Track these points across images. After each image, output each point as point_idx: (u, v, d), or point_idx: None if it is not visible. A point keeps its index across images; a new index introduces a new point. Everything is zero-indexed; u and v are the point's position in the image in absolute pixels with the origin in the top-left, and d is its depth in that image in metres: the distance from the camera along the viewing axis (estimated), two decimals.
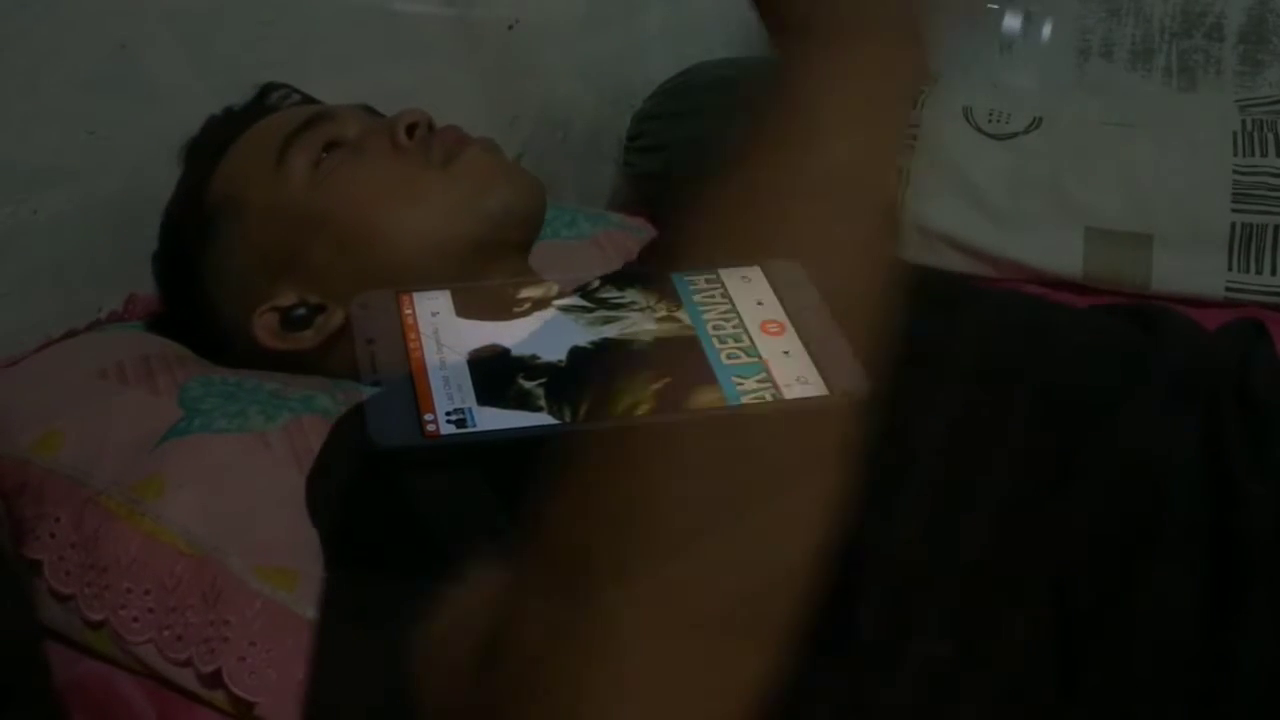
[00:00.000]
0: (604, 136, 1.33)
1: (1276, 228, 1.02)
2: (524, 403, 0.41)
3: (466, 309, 0.45)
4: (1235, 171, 1.03)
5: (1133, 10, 1.24)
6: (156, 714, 0.59)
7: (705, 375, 0.41)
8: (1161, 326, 0.58)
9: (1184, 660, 0.42)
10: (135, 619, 0.60)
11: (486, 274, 0.76)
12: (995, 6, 0.91)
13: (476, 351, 0.43)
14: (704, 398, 0.40)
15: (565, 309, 0.46)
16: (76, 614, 0.62)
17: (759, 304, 0.44)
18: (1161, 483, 0.45)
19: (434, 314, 0.45)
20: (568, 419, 0.41)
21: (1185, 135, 1.07)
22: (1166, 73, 1.24)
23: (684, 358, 0.42)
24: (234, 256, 0.77)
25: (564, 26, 1.26)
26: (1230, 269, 1.03)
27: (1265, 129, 1.05)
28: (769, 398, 0.40)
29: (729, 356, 0.42)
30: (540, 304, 0.46)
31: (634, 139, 1.27)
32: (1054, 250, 1.07)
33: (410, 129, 0.76)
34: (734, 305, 0.44)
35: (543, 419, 0.41)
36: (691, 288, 0.44)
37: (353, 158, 0.76)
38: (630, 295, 0.46)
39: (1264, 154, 1.04)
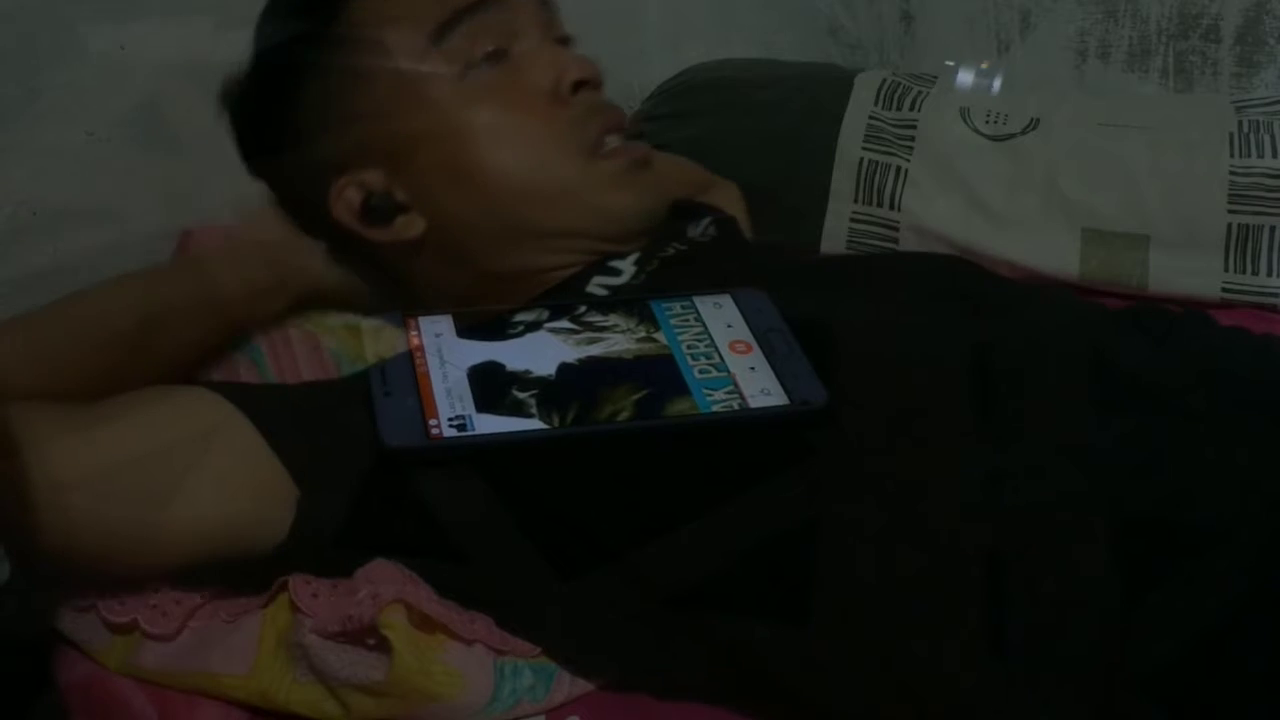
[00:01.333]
0: None
1: (1273, 229, 1.02)
2: (518, 410, 0.46)
3: (466, 331, 0.50)
4: (1231, 173, 1.04)
5: (1129, 12, 1.24)
6: (157, 714, 0.59)
7: (679, 387, 0.47)
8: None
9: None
10: None
11: (558, 262, 0.70)
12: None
13: (475, 366, 0.48)
14: (678, 406, 0.46)
15: (555, 331, 0.51)
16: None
17: (728, 326, 0.50)
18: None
19: (437, 335, 0.50)
20: (556, 424, 0.46)
21: (1182, 136, 1.07)
22: (1163, 74, 1.24)
23: (661, 373, 0.47)
24: (343, 102, 0.70)
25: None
26: (1227, 270, 1.04)
27: (1262, 130, 1.05)
28: (736, 407, 0.46)
29: (701, 372, 0.48)
30: (532, 326, 0.51)
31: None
32: (1051, 251, 1.07)
33: (577, 86, 0.71)
34: (706, 328, 0.50)
35: (534, 424, 0.46)
36: (668, 313, 0.51)
37: (506, 86, 0.69)
38: (613, 319, 0.52)
39: (1260, 155, 1.04)
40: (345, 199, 0.71)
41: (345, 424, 0.57)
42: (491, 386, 0.48)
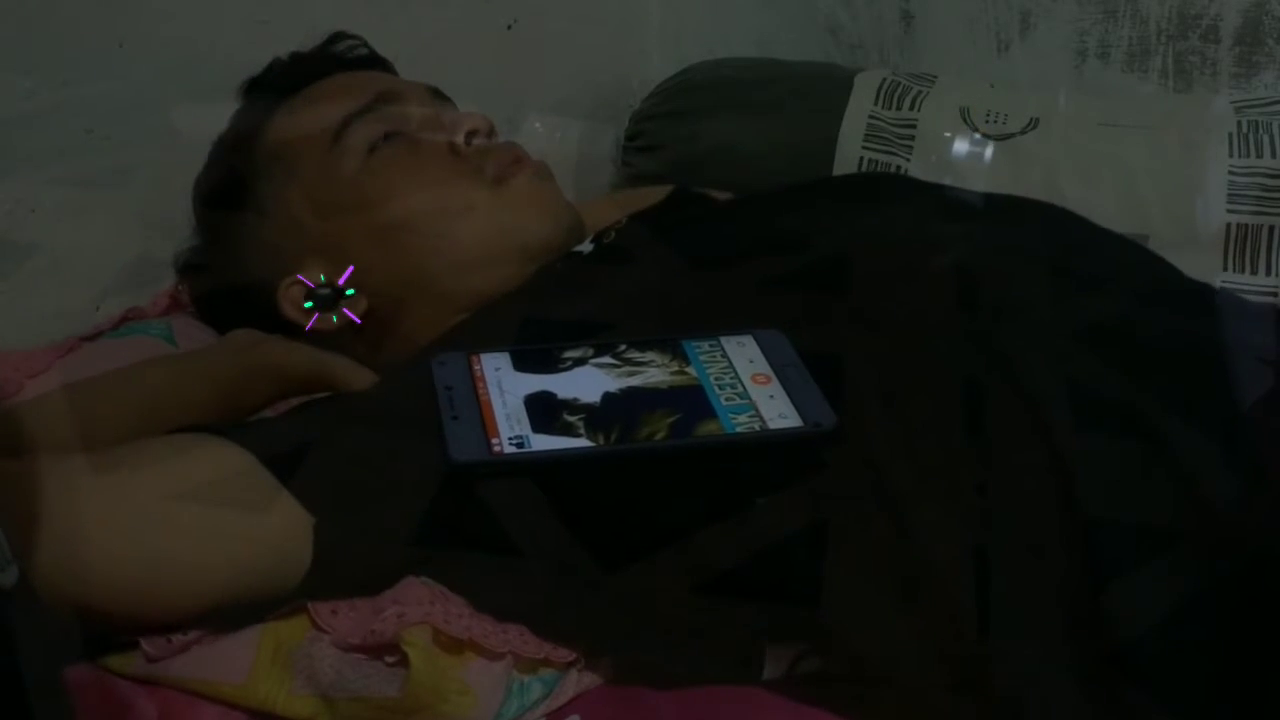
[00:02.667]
0: (602, 136, 1.33)
1: (1271, 228, 1.02)
2: (568, 431, 0.54)
3: (522, 365, 0.58)
4: (1231, 172, 1.04)
5: (1129, 12, 1.24)
6: (157, 714, 0.59)
7: (708, 412, 0.54)
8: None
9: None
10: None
11: (504, 280, 0.77)
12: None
13: (531, 395, 0.56)
14: (707, 428, 0.54)
15: (599, 365, 0.58)
16: None
17: (750, 362, 0.57)
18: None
19: (497, 369, 0.58)
20: (602, 443, 0.53)
21: (1181, 136, 1.07)
22: (1163, 74, 1.25)
23: (691, 400, 0.55)
24: (274, 217, 0.78)
25: (563, 26, 1.27)
26: (1225, 269, 1.04)
27: (1260, 130, 1.06)
28: (757, 428, 0.53)
29: (726, 399, 0.55)
30: (579, 362, 0.58)
31: (632, 139, 1.27)
32: None
33: (469, 135, 0.77)
34: (731, 363, 0.58)
35: (582, 443, 0.53)
36: (697, 351, 0.58)
37: (407, 153, 0.77)
38: (649, 355, 0.59)
39: (1259, 155, 1.04)
40: (290, 297, 0.78)
41: (368, 446, 0.61)
42: (545, 411, 0.55)
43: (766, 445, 0.54)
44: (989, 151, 1.11)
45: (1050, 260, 0.66)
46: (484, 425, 0.54)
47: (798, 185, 0.87)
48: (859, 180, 0.95)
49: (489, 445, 0.53)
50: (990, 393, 0.56)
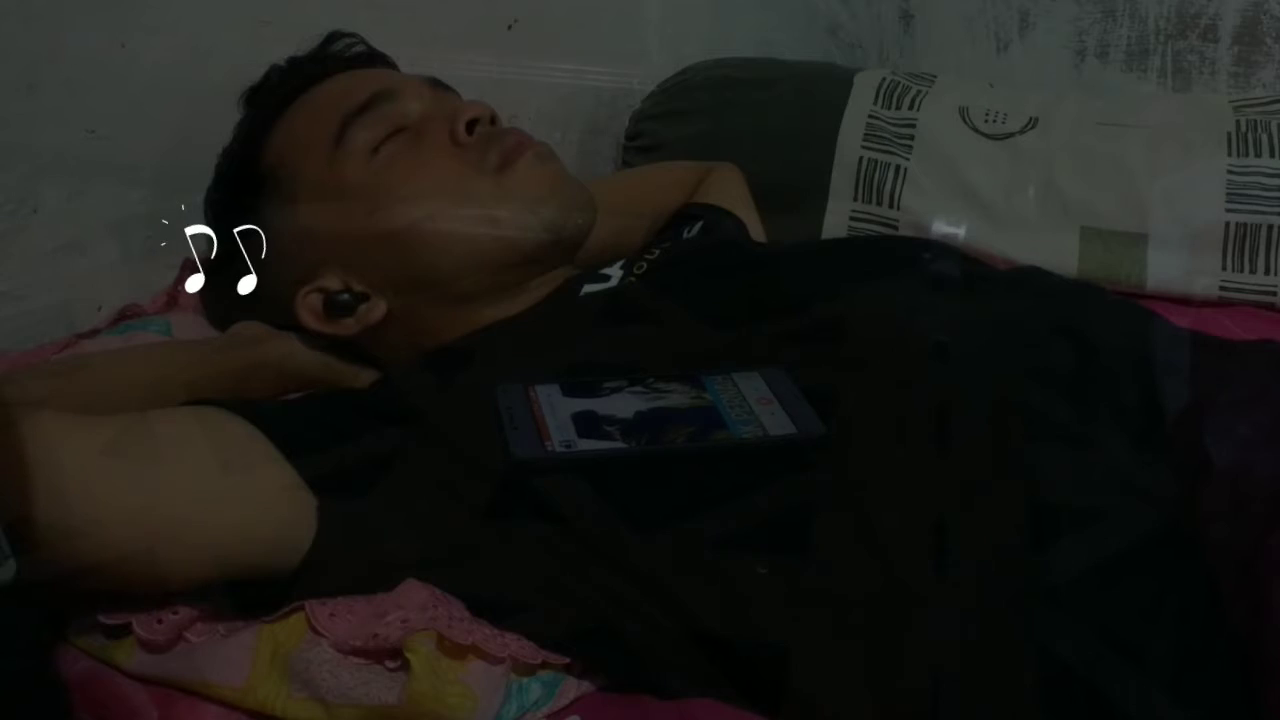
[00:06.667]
0: (603, 137, 1.33)
1: (1270, 227, 1.03)
2: (607, 437, 0.66)
3: (569, 393, 0.69)
4: (1229, 172, 1.04)
5: (1128, 11, 1.25)
6: (159, 713, 0.60)
7: (720, 424, 0.67)
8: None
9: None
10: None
11: (529, 279, 0.78)
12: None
13: (576, 412, 0.68)
14: (719, 435, 0.66)
15: (633, 393, 0.70)
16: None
17: (756, 389, 0.70)
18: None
19: (549, 396, 0.69)
20: (634, 445, 0.65)
21: (1180, 136, 1.08)
22: (1161, 73, 1.25)
23: (707, 415, 0.67)
24: (285, 226, 0.78)
25: (563, 27, 1.27)
26: (1224, 269, 1.04)
27: (1259, 129, 1.06)
28: (760, 434, 0.66)
29: (735, 415, 0.67)
30: (616, 390, 0.70)
31: (633, 139, 1.27)
32: (1049, 250, 1.07)
33: (470, 124, 0.77)
34: (740, 390, 0.69)
35: (619, 445, 0.65)
36: (713, 382, 0.70)
37: (410, 148, 0.76)
38: (673, 386, 0.70)
39: (1258, 154, 1.04)
40: (308, 305, 0.77)
41: (363, 436, 0.65)
42: (588, 424, 0.67)
43: (767, 448, 0.65)
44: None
45: (1012, 319, 0.74)
46: (539, 432, 0.65)
47: (804, 246, 0.96)
48: (859, 245, 1.02)
49: (544, 446, 0.64)
50: (954, 412, 0.65)
